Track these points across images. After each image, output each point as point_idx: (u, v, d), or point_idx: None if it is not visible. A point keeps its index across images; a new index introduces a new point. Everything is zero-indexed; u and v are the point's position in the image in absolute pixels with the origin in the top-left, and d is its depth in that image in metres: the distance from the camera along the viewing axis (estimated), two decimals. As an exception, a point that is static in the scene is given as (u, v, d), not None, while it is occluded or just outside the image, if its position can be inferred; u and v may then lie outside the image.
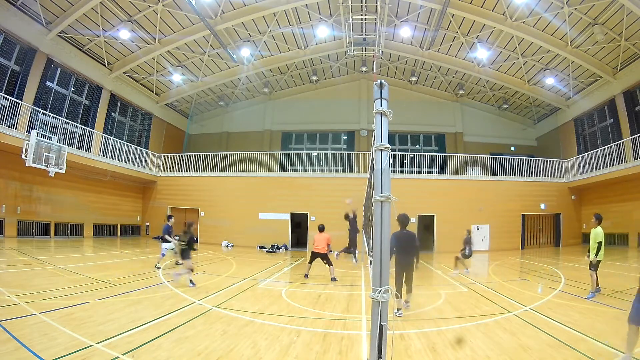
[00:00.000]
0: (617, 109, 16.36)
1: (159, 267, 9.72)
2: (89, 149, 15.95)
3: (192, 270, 7.71)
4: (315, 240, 9.57)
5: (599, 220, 7.14)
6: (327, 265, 9.21)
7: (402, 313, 5.64)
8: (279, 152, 21.34)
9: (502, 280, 9.24)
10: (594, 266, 6.92)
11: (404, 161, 20.11)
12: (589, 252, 7.11)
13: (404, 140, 23.54)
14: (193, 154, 20.64)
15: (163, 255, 10.12)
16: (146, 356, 3.66)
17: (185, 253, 7.74)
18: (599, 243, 6.88)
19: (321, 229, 9.66)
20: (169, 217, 10.96)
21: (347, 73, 23.13)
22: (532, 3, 14.15)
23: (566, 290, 7.53)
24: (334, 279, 8.89)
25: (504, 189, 17.69)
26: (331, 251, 9.80)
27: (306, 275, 9.32)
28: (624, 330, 4.73)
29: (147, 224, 20.30)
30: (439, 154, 20.06)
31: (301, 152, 21.05)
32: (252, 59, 19.33)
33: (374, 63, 21.43)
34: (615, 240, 15.68)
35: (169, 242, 10.00)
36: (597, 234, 6.96)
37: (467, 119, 23.50)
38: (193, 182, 19.66)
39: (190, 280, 7.50)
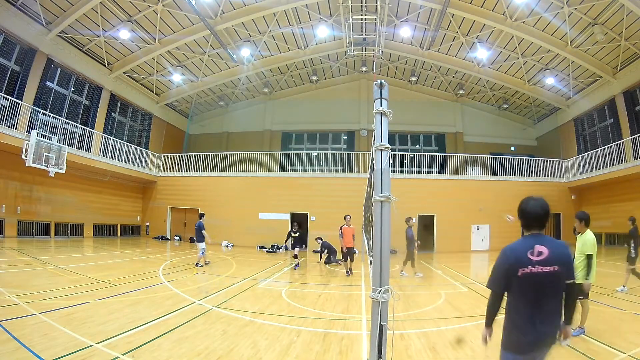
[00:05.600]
0: (617, 109, 16.35)
1: (201, 265, 10.51)
2: (89, 149, 15.95)
3: (297, 256, 11.33)
4: (344, 233, 10.40)
5: (587, 221, 4.70)
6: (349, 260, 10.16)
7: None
8: (279, 152, 21.33)
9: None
10: (584, 293, 4.54)
11: (404, 161, 20.10)
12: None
13: (404, 140, 23.54)
14: (193, 154, 20.65)
15: (202, 253, 10.66)
16: (146, 356, 3.65)
17: (295, 244, 11.62)
18: (589, 257, 4.50)
19: (348, 220, 10.58)
20: (202, 214, 11.65)
21: (347, 73, 23.12)
22: (532, 3, 14.15)
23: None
24: (348, 273, 9.98)
25: (504, 189, 17.67)
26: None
27: (348, 272, 9.98)
28: (624, 330, 4.74)
29: (147, 224, 20.31)
30: (439, 154, 20.07)
31: (301, 152, 21.05)
32: (252, 59, 19.32)
33: (374, 63, 21.43)
34: (616, 240, 15.67)
35: (203, 239, 10.68)
36: (586, 242, 4.56)
37: (467, 119, 23.50)
38: (193, 182, 19.66)
39: (297, 264, 11.12)
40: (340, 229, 10.69)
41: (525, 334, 2.09)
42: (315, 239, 13.48)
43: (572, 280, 2.15)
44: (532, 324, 2.07)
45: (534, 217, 2.20)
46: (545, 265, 2.07)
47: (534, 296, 2.08)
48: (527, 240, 2.17)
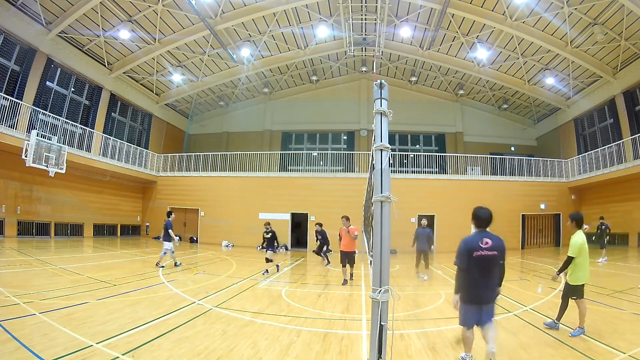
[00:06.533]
0: (617, 109, 16.36)
1: (162, 266, 9.82)
2: (89, 149, 15.95)
3: (271, 260, 9.79)
4: (342, 236, 8.86)
5: (577, 222, 4.77)
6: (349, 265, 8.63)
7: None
8: (279, 152, 21.34)
9: (502, 280, 9.20)
10: (574, 292, 4.69)
11: (404, 161, 20.10)
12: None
13: (404, 140, 23.54)
14: (193, 154, 20.65)
15: (165, 253, 10.03)
16: (146, 356, 3.66)
17: (268, 246, 10.07)
18: (569, 258, 4.62)
19: (346, 219, 8.81)
20: (170, 213, 10.93)
21: (347, 73, 23.12)
22: (532, 3, 14.15)
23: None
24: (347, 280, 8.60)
25: (504, 189, 17.68)
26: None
27: (345, 281, 8.49)
28: (624, 330, 4.74)
29: (147, 224, 20.30)
30: (439, 154, 20.07)
31: (301, 152, 21.07)
32: (252, 59, 19.32)
33: (374, 63, 21.43)
34: (616, 240, 15.69)
35: (170, 239, 9.95)
36: (571, 245, 4.64)
37: (467, 119, 23.50)
38: (193, 182, 19.66)
39: (266, 270, 9.62)
40: (339, 232, 9.29)
41: (476, 291, 3.37)
42: (315, 224, 12.56)
43: (502, 262, 3.41)
44: (482, 285, 3.36)
45: (484, 219, 3.49)
46: (490, 250, 3.32)
47: (482, 269, 3.32)
48: (479, 234, 3.44)
